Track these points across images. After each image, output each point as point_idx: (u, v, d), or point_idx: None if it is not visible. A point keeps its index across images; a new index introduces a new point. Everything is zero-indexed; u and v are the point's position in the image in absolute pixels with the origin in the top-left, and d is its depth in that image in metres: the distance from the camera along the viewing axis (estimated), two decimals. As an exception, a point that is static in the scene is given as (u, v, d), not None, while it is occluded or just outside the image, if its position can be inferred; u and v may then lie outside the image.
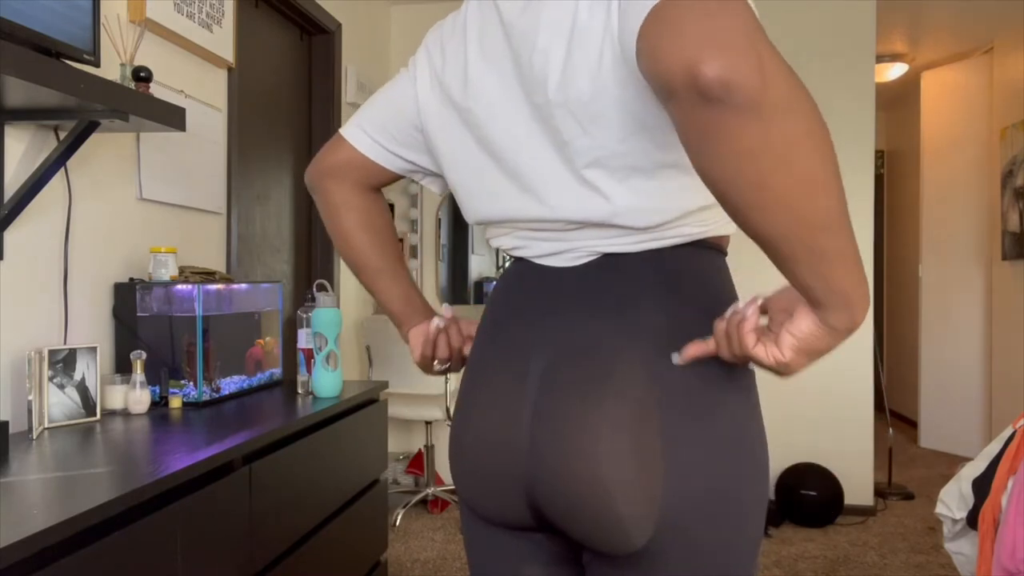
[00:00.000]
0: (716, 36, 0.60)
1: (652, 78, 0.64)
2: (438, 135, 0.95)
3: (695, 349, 0.79)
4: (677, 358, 0.80)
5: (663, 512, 0.79)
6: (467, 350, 1.05)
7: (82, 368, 1.72)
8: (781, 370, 0.75)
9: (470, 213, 0.96)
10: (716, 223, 0.87)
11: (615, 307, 0.84)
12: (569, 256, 0.87)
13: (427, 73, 0.97)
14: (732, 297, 0.87)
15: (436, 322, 1.05)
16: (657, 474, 0.79)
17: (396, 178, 1.07)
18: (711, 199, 0.84)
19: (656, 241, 0.84)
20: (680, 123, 0.64)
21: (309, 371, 2.17)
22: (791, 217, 0.64)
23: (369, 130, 1.02)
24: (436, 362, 1.06)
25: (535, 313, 0.89)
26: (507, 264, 0.98)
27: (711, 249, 0.87)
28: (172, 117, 1.75)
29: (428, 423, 3.74)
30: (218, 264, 2.50)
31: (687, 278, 0.85)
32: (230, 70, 2.54)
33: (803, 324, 0.72)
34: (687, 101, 0.61)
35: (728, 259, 0.92)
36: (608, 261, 0.86)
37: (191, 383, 1.92)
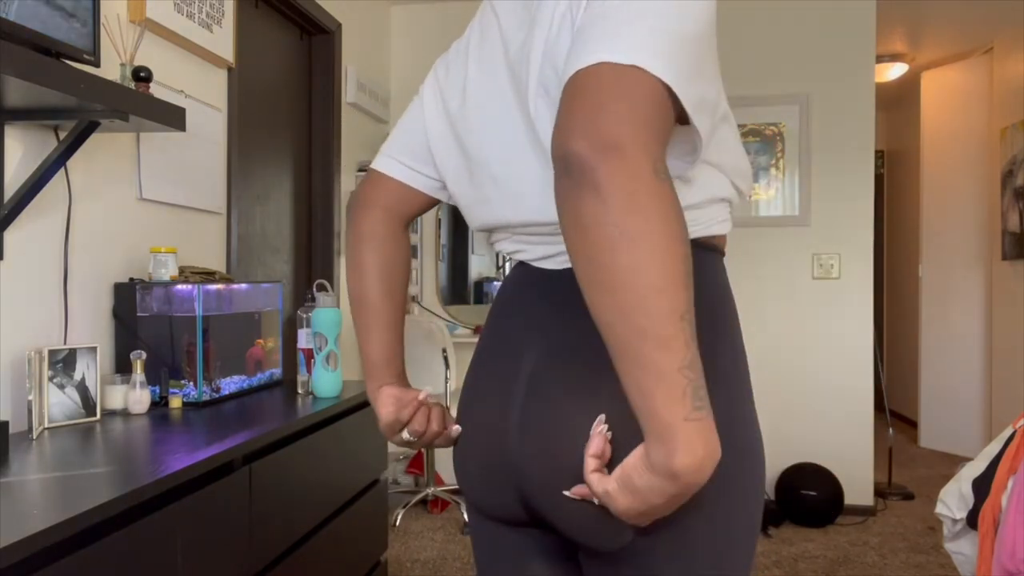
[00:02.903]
0: (591, 125, 0.65)
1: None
2: (439, 145, 0.98)
3: (578, 491, 0.77)
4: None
5: None
6: (437, 440, 0.99)
7: (82, 368, 1.72)
8: (607, 504, 0.71)
9: (471, 220, 0.98)
10: (708, 222, 0.86)
11: None
12: (562, 259, 0.88)
13: (433, 89, 1.00)
14: (724, 298, 0.87)
15: (426, 393, 1.00)
16: None
17: (426, 202, 1.04)
18: (699, 198, 0.84)
19: None
20: (554, 192, 0.69)
21: (309, 371, 2.17)
22: (615, 305, 0.64)
23: (390, 153, 1.03)
24: (406, 431, 0.98)
25: (528, 314, 0.91)
26: (508, 266, 0.99)
27: (703, 249, 0.87)
28: (172, 117, 1.75)
29: (428, 423, 3.73)
30: (218, 264, 2.50)
31: None
32: (230, 70, 2.54)
33: (633, 453, 0.69)
34: (557, 170, 0.67)
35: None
36: None
37: (191, 383, 1.92)
